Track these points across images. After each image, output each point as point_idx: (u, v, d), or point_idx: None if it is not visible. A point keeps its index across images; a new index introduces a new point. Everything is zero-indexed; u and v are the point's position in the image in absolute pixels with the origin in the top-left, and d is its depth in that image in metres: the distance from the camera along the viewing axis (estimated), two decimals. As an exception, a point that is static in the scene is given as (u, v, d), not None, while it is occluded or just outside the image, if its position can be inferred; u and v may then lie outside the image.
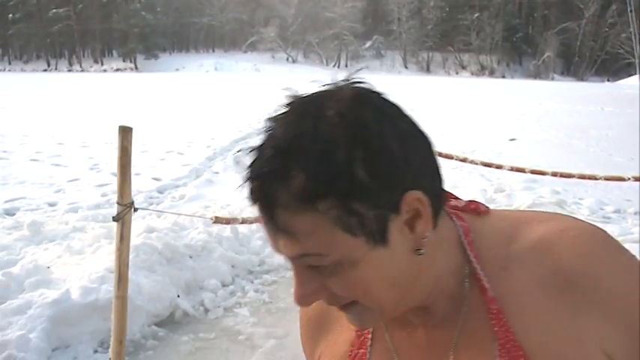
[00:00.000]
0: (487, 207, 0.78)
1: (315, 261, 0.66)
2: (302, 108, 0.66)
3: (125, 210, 2.83)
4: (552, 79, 77.32)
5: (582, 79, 71.85)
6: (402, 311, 0.74)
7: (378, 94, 0.69)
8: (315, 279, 0.69)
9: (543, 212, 0.77)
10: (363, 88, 0.68)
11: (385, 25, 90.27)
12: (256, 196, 0.66)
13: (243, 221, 4.18)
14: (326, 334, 0.86)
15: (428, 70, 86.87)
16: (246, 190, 0.67)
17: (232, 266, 5.09)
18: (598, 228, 0.71)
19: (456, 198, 0.80)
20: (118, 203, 2.84)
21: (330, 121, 0.63)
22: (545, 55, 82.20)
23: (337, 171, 0.62)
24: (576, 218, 0.74)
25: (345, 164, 0.62)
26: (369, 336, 0.81)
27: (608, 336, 0.66)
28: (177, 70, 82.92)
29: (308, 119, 0.64)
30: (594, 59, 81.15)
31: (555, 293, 0.67)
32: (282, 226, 0.64)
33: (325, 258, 0.66)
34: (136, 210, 2.91)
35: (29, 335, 3.40)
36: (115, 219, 2.84)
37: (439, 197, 0.71)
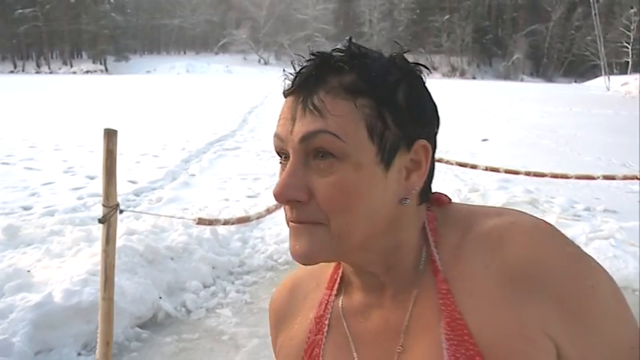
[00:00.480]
0: (449, 198, 0.82)
1: (328, 142, 0.70)
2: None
3: (111, 212, 2.85)
4: (522, 80, 78.53)
5: (551, 81, 73.18)
6: (356, 260, 0.77)
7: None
8: (305, 177, 0.72)
9: (500, 207, 0.80)
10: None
11: (357, 27, 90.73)
12: (305, 76, 0.73)
13: (225, 222, 4.21)
14: (288, 324, 0.90)
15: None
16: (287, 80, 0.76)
17: (213, 267, 5.11)
18: (545, 222, 0.75)
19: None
20: (103, 205, 2.86)
21: (392, 57, 0.76)
22: (514, 57, 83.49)
23: (384, 83, 0.72)
24: (527, 214, 0.77)
25: (392, 83, 0.73)
26: (326, 322, 0.84)
27: (551, 320, 0.69)
28: (148, 72, 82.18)
29: (374, 51, 0.76)
30: (562, 61, 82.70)
31: (502, 280, 0.70)
32: (317, 104, 0.70)
33: (339, 143, 0.70)
34: (121, 212, 2.93)
35: (12, 339, 3.39)
36: (100, 221, 2.86)
37: (432, 174, 0.79)
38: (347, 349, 0.80)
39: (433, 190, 0.81)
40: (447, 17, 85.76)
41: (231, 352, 3.84)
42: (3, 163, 10.40)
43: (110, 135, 2.81)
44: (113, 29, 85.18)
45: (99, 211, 6.21)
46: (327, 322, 0.84)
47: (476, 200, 7.39)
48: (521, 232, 0.72)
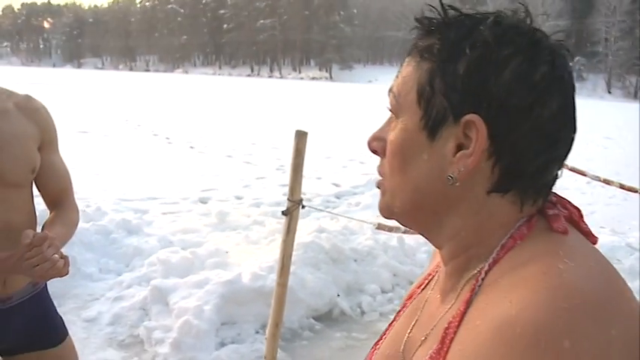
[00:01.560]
0: (564, 227, 0.67)
1: (390, 100, 0.74)
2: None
3: (294, 206, 3.10)
4: None
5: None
6: (417, 229, 0.76)
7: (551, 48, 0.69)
8: (385, 131, 0.75)
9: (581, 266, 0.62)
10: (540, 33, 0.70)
11: (590, 45, 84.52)
12: (418, 37, 0.74)
13: (406, 231, 4.27)
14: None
15: (635, 96, 79.68)
16: None
17: (394, 275, 5.21)
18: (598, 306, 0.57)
19: (563, 204, 0.72)
20: (288, 199, 3.12)
21: (484, 21, 0.68)
22: None
23: (450, 51, 0.68)
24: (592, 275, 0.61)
25: (458, 52, 0.67)
26: (427, 281, 0.87)
27: None
28: (369, 81, 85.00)
29: (477, 16, 0.70)
30: None
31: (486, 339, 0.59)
32: (405, 64, 0.74)
33: (394, 101, 0.74)
34: (303, 207, 3.16)
35: (204, 307, 3.83)
36: (284, 213, 3.12)
37: (521, 171, 0.67)
38: (415, 315, 0.81)
39: (555, 212, 0.69)
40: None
41: (396, 358, 3.90)
42: (227, 156, 11.62)
43: (301, 136, 3.05)
44: (340, 39, 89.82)
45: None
46: (426, 282, 0.87)
47: None
48: (558, 313, 0.56)
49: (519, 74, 0.65)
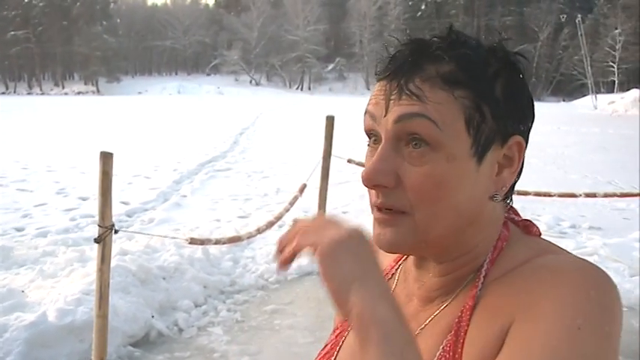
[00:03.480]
0: (539, 231, 0.79)
1: (424, 128, 0.69)
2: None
3: (106, 232, 2.95)
4: (511, 99, 78.82)
5: (539, 99, 73.80)
6: (435, 253, 0.76)
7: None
8: (395, 163, 0.71)
9: (576, 261, 0.69)
10: None
11: (347, 47, 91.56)
12: (401, 61, 0.72)
13: (217, 242, 4.30)
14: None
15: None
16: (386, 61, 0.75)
17: (204, 287, 5.19)
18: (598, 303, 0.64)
19: (517, 214, 0.81)
20: (99, 225, 2.96)
21: (494, 46, 0.75)
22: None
23: (483, 75, 0.71)
24: (598, 276, 0.67)
25: (491, 75, 0.72)
26: (393, 274, 0.88)
27: None
28: (139, 93, 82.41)
29: (473, 39, 0.75)
30: (550, 80, 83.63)
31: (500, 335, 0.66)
32: (414, 90, 0.70)
33: (435, 131, 0.69)
34: (116, 232, 3.03)
35: (6, 359, 3.46)
36: (96, 240, 2.96)
37: (521, 173, 0.77)
38: None
39: (526, 218, 0.80)
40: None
41: (223, 369, 3.91)
42: (-5, 185, 10.46)
43: (106, 157, 2.92)
44: (105, 51, 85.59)
45: (92, 231, 6.31)
46: (392, 274, 0.88)
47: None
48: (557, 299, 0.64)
49: (529, 98, 0.76)
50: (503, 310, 0.67)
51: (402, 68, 0.71)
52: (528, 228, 0.78)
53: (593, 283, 0.64)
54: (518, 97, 0.73)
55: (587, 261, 0.69)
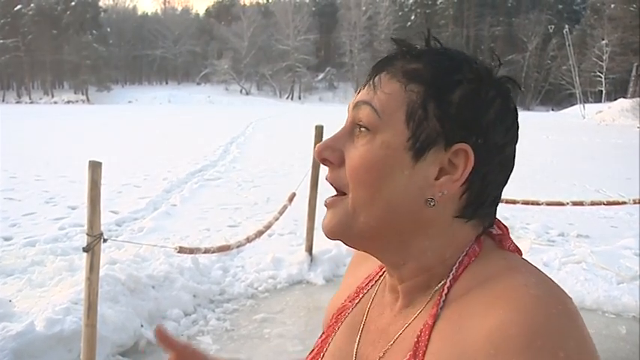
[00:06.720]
0: (514, 245, 0.78)
1: (366, 115, 0.74)
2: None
3: (95, 241, 2.95)
4: (500, 109, 79.22)
5: (528, 109, 74.33)
6: (374, 250, 0.78)
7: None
8: (345, 142, 0.76)
9: (540, 280, 0.68)
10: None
11: (338, 57, 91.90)
12: (381, 61, 0.77)
13: (206, 251, 4.31)
14: (345, 279, 0.97)
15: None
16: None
17: (194, 296, 5.18)
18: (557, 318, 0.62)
19: (500, 226, 0.80)
20: (87, 234, 2.96)
21: (476, 64, 0.74)
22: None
23: (446, 78, 0.72)
24: (553, 291, 0.66)
25: (455, 81, 0.72)
26: (361, 296, 0.89)
27: None
28: (130, 102, 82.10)
29: (456, 51, 0.76)
30: (539, 90, 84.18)
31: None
32: (377, 81, 0.74)
33: (374, 118, 0.73)
34: (105, 241, 3.02)
35: (-6, 368, 3.44)
36: (85, 250, 2.95)
37: (490, 194, 0.75)
38: (356, 331, 0.84)
39: (500, 232, 0.78)
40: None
41: (212, 378, 3.90)
42: (-17, 195, 10.39)
43: (95, 166, 2.93)
44: (95, 60, 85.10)
45: (81, 241, 6.27)
46: (361, 296, 0.89)
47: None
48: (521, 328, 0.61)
49: (500, 116, 0.73)
50: (459, 341, 0.66)
51: (379, 63, 0.77)
52: (502, 242, 0.77)
53: (544, 311, 0.62)
54: (480, 110, 0.72)
55: (546, 283, 0.67)
